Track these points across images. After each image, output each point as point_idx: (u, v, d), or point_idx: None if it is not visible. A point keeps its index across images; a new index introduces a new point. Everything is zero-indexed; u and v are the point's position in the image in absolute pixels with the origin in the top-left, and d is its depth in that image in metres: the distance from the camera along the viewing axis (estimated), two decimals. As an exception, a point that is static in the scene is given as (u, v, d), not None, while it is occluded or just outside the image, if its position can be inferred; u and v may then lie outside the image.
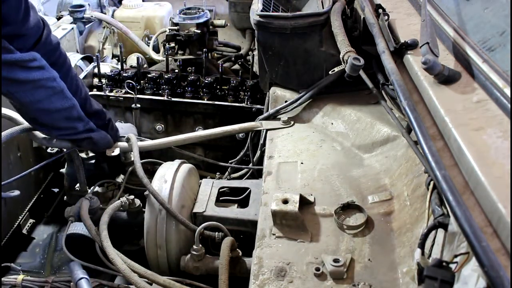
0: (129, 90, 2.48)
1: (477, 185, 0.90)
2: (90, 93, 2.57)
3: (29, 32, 1.58)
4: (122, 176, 2.26)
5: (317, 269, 1.22)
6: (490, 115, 1.04)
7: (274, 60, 2.08)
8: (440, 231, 1.04)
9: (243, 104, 2.50)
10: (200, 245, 1.65)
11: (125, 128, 2.19)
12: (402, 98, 1.22)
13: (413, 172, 1.40)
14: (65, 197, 2.28)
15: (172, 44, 2.80)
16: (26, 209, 2.41)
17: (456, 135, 1.01)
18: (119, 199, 1.91)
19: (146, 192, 1.74)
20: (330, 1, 2.02)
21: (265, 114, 2.09)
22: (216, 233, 1.69)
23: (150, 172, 2.13)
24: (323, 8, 2.02)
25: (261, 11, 2.02)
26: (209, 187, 1.90)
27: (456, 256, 0.91)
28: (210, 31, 2.87)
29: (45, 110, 1.60)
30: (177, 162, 1.92)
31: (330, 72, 1.87)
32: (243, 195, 1.90)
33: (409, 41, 1.45)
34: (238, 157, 2.32)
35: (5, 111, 1.83)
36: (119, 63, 2.76)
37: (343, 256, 1.25)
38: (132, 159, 1.89)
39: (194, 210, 1.79)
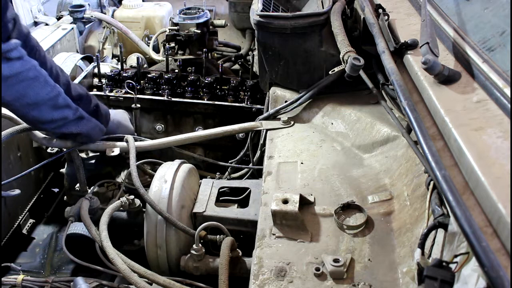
0: (129, 90, 2.48)
1: (477, 185, 0.89)
2: (90, 93, 2.57)
3: (8, 21, 1.53)
4: (122, 176, 2.26)
5: (317, 269, 1.22)
6: (490, 115, 1.04)
7: (274, 60, 2.08)
8: (440, 231, 1.04)
9: (243, 104, 2.49)
10: (200, 245, 1.65)
11: (114, 113, 2.13)
12: (402, 98, 1.22)
13: (413, 172, 1.40)
14: (65, 197, 2.28)
15: (172, 44, 2.80)
16: (26, 209, 2.41)
17: (456, 135, 1.01)
18: (119, 199, 1.91)
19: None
20: (330, 1, 2.02)
21: (265, 114, 2.09)
22: (218, 236, 1.69)
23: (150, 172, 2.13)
24: (323, 8, 2.02)
25: (261, 11, 2.02)
26: (209, 187, 1.90)
27: (456, 256, 0.91)
28: (210, 31, 2.87)
29: (32, 104, 1.56)
30: (177, 162, 1.92)
31: (330, 72, 1.87)
32: (243, 195, 1.90)
33: (409, 41, 1.45)
34: (238, 157, 2.32)
35: (5, 111, 1.83)
36: (119, 63, 2.76)
37: (343, 256, 1.25)
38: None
39: (194, 210, 1.79)
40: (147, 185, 1.85)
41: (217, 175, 2.38)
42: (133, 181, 1.75)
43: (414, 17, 1.66)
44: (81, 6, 3.16)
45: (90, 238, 1.80)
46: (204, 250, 1.66)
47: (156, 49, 3.09)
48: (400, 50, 1.46)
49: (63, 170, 2.29)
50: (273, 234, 1.37)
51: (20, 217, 2.36)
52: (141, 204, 1.97)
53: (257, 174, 2.20)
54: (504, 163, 0.89)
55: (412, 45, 1.44)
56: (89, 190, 2.08)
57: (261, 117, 2.09)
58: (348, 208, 1.42)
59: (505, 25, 1.20)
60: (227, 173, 2.37)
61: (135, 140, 1.99)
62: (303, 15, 1.98)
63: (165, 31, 2.84)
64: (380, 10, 1.69)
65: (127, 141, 1.95)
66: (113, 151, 1.94)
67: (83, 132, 1.77)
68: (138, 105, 2.41)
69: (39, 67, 1.56)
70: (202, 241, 1.67)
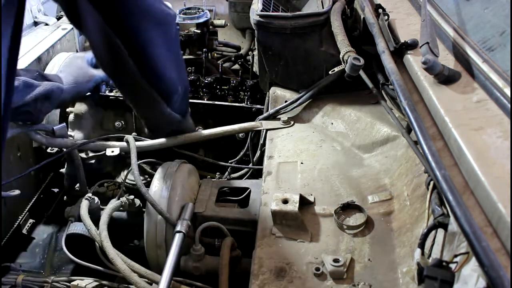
0: (129, 90, 2.47)
1: (477, 185, 0.90)
2: (90, 93, 2.55)
3: None
4: (122, 176, 2.26)
5: (317, 269, 1.22)
6: (490, 115, 1.04)
7: (274, 60, 2.08)
8: (440, 231, 1.04)
9: (243, 104, 2.49)
10: (200, 245, 1.65)
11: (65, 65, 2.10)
12: (402, 98, 1.22)
13: (413, 172, 1.40)
14: (65, 197, 2.27)
15: (172, 44, 2.80)
16: (26, 209, 2.41)
17: (456, 135, 1.01)
18: (119, 199, 1.91)
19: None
20: (330, 1, 2.02)
21: (265, 114, 2.09)
22: (216, 239, 1.68)
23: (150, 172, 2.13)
24: (323, 8, 2.02)
25: (261, 11, 2.02)
26: (209, 187, 1.90)
27: (456, 256, 0.91)
28: (210, 31, 2.87)
29: None
30: (177, 162, 1.92)
31: (330, 72, 1.87)
32: (243, 195, 1.90)
33: (409, 41, 1.45)
34: (238, 157, 2.32)
35: (5, 111, 1.83)
36: (119, 63, 2.75)
37: (343, 256, 1.25)
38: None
39: (194, 210, 1.79)
40: (146, 185, 1.85)
41: (217, 175, 2.38)
42: (135, 180, 1.75)
43: (414, 17, 1.66)
44: (81, 6, 3.16)
45: (90, 238, 1.80)
46: (204, 250, 1.66)
47: (156, 49, 3.08)
48: (400, 50, 1.46)
49: (63, 170, 2.29)
50: (273, 234, 1.37)
51: (20, 217, 2.36)
52: (141, 204, 1.97)
53: (257, 174, 2.20)
54: (504, 163, 0.89)
55: (412, 45, 1.44)
56: (89, 190, 2.08)
57: (261, 117, 2.09)
58: (348, 208, 1.42)
59: (505, 25, 1.20)
60: (227, 173, 2.37)
61: (135, 140, 1.99)
62: (303, 15, 1.98)
63: (165, 31, 2.84)
64: (380, 10, 1.69)
65: (127, 141, 1.95)
66: (113, 151, 1.94)
67: (38, 95, 1.69)
68: (138, 105, 2.41)
69: None
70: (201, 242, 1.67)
